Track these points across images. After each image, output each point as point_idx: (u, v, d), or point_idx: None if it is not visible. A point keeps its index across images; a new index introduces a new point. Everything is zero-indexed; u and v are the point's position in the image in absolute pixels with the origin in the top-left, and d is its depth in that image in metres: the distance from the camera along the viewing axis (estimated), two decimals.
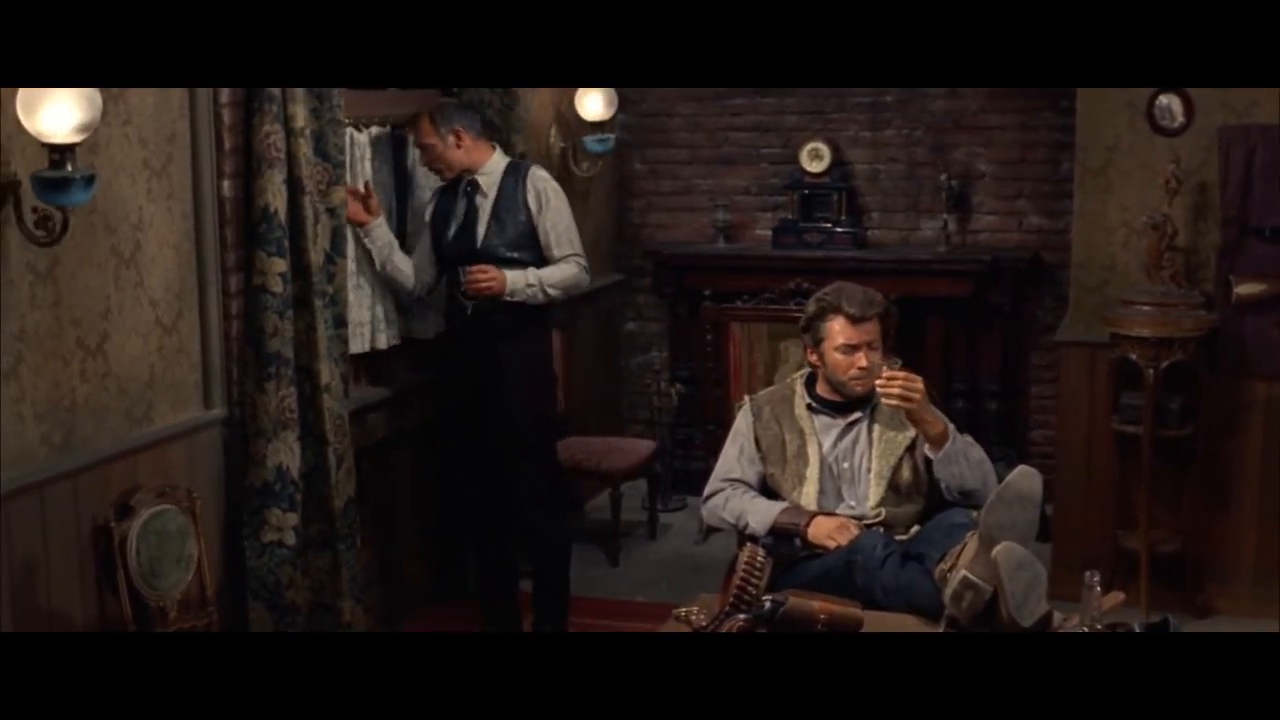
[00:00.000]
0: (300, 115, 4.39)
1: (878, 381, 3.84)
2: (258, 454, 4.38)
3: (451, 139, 5.02)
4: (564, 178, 6.52)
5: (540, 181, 5.09)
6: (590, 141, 6.41)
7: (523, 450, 5.08)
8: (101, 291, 3.90)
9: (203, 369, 4.32)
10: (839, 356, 4.02)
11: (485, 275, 4.94)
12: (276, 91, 4.30)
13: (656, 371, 7.22)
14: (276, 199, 4.32)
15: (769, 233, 7.03)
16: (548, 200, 5.06)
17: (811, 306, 4.11)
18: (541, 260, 5.05)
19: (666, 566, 6.20)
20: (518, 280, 4.97)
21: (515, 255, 5.01)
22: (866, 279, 6.02)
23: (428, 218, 5.20)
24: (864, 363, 3.98)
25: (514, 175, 5.08)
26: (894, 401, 3.80)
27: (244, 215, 4.35)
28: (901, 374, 3.81)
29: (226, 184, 4.30)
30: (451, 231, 5.09)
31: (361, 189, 4.99)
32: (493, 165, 5.08)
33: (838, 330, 4.01)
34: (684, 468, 6.91)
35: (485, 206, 5.04)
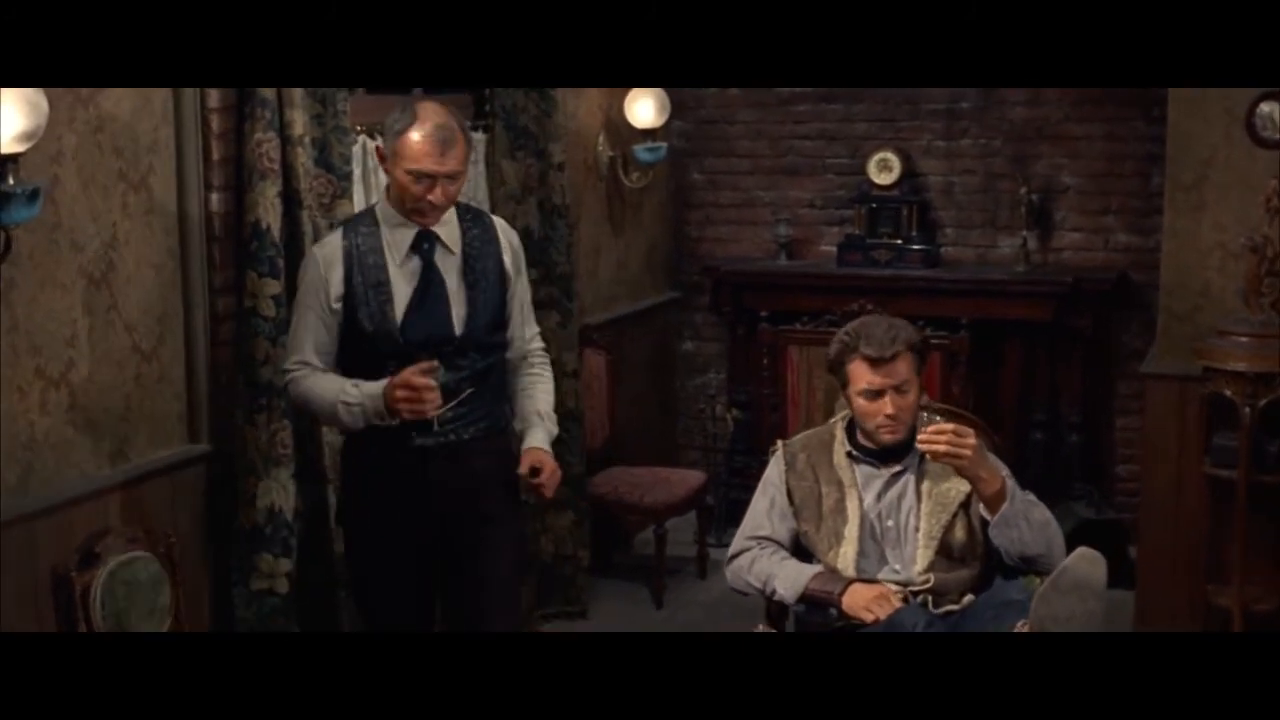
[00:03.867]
0: (299, 122, 4.15)
1: (920, 437, 3.42)
2: (247, 493, 4.15)
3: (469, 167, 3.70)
4: (613, 189, 6.23)
5: (512, 234, 3.77)
6: (641, 150, 6.26)
7: (493, 604, 3.73)
8: (66, 316, 3.67)
9: (187, 400, 4.12)
10: (863, 403, 3.59)
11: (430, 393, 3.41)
12: (271, 95, 4.07)
13: (712, 395, 6.95)
14: (269, 214, 4.09)
15: (834, 249, 6.78)
16: (522, 262, 3.77)
17: (833, 346, 3.67)
18: (505, 345, 3.72)
19: (715, 609, 5.82)
20: (543, 440, 3.69)
21: (492, 339, 3.66)
22: (938, 300, 6.00)
23: (335, 289, 3.53)
24: (890, 410, 3.55)
25: (477, 224, 3.67)
26: (941, 459, 3.37)
27: (234, 232, 4.14)
28: (950, 426, 3.39)
29: (215, 197, 4.11)
30: (402, 309, 3.53)
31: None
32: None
33: (859, 373, 3.58)
34: (739, 498, 6.48)
35: (452, 270, 3.59)
